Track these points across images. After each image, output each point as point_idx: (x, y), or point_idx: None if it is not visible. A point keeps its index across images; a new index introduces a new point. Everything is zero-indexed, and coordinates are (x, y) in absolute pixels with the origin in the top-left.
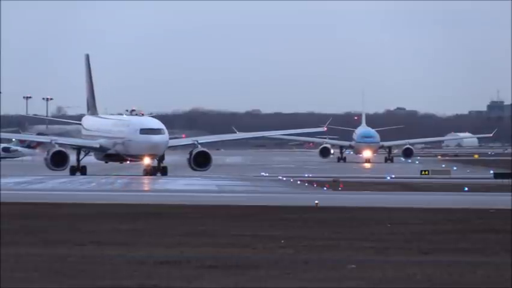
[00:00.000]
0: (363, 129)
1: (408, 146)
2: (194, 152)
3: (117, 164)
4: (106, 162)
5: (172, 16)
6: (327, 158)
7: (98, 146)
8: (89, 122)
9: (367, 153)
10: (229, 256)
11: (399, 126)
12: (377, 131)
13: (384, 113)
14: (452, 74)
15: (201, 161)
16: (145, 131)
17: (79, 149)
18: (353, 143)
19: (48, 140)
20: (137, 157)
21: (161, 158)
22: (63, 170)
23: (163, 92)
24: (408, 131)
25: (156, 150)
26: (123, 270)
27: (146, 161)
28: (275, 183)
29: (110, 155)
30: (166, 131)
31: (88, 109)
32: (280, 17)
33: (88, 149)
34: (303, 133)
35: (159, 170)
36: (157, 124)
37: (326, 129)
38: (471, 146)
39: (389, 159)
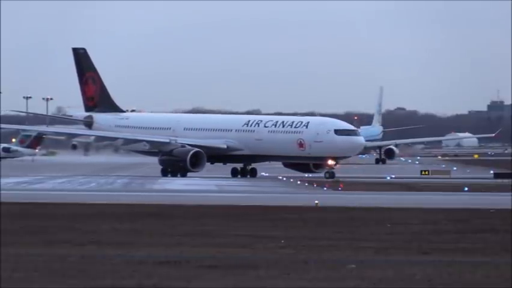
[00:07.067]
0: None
1: (390, 146)
2: None
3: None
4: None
5: (172, 15)
6: None
7: (225, 146)
8: (145, 118)
9: None
10: (229, 256)
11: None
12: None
13: (384, 113)
14: (452, 74)
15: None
16: (341, 132)
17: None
18: None
19: (167, 140)
20: (314, 159)
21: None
22: (199, 171)
23: (163, 92)
24: (408, 131)
25: (355, 152)
26: (123, 270)
27: (330, 163)
28: (275, 183)
29: (226, 156)
30: None
31: (93, 107)
32: (280, 18)
33: (212, 150)
34: None
35: (248, 171)
36: (349, 124)
37: None
38: (471, 146)
39: (380, 160)
